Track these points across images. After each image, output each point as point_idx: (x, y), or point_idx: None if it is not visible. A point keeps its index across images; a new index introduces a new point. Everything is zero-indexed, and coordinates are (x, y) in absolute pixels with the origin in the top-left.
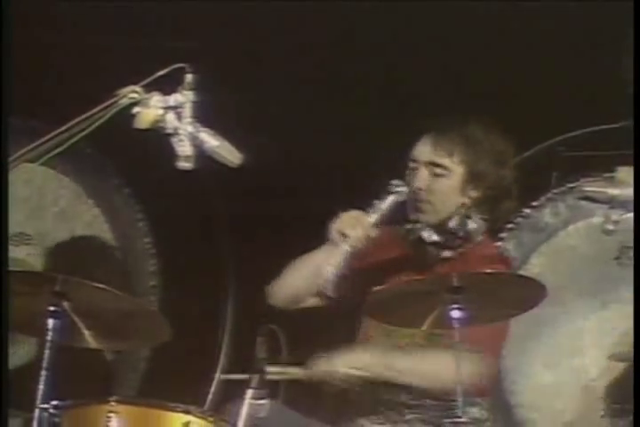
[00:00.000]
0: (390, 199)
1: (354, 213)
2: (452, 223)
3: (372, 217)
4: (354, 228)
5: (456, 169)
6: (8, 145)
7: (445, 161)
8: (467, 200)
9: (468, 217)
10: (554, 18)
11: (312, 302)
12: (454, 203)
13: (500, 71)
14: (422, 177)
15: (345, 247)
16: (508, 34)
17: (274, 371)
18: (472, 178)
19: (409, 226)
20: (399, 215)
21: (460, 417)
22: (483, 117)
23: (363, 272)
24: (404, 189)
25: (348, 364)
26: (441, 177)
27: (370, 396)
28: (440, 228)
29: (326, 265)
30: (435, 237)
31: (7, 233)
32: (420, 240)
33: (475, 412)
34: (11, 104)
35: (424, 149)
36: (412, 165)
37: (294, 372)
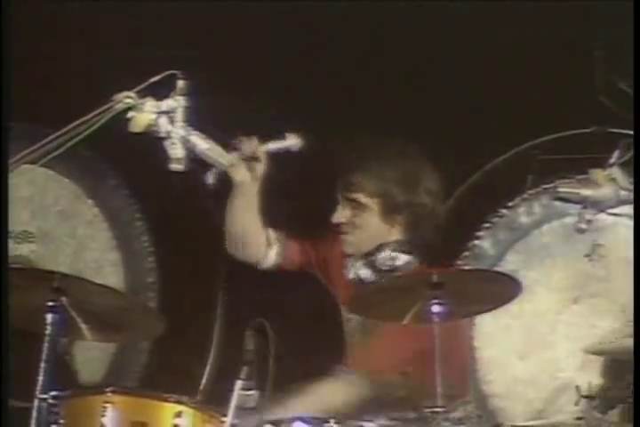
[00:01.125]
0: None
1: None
2: (379, 260)
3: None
4: None
5: (371, 204)
6: (8, 148)
7: (359, 196)
8: (388, 227)
9: (395, 252)
10: (529, 25)
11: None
12: (379, 235)
13: (479, 79)
14: (342, 212)
15: None
16: (482, 41)
17: None
18: (390, 210)
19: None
20: None
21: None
22: (395, 144)
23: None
24: None
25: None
26: (360, 211)
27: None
28: (370, 264)
29: None
30: (366, 275)
31: (7, 237)
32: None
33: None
34: (11, 109)
35: (344, 185)
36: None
37: None
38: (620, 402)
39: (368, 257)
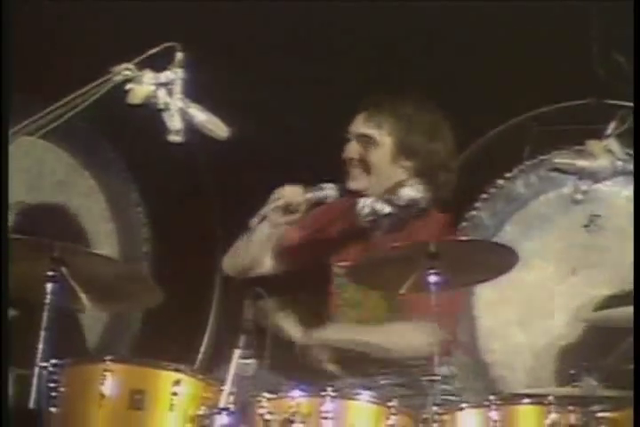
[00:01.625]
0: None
1: (291, 189)
2: (401, 195)
3: (309, 195)
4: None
5: (385, 140)
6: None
7: (374, 132)
8: (401, 170)
9: (410, 186)
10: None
11: (266, 267)
12: (388, 173)
13: (477, 51)
14: (352, 148)
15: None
16: (481, 18)
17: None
18: (402, 149)
19: (361, 200)
20: None
21: (436, 375)
22: (417, 95)
23: (312, 244)
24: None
25: (322, 339)
26: (371, 147)
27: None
28: (387, 199)
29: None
30: (387, 209)
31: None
32: (373, 212)
33: (444, 370)
34: (12, 81)
35: (357, 123)
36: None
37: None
38: (615, 369)
39: (386, 194)
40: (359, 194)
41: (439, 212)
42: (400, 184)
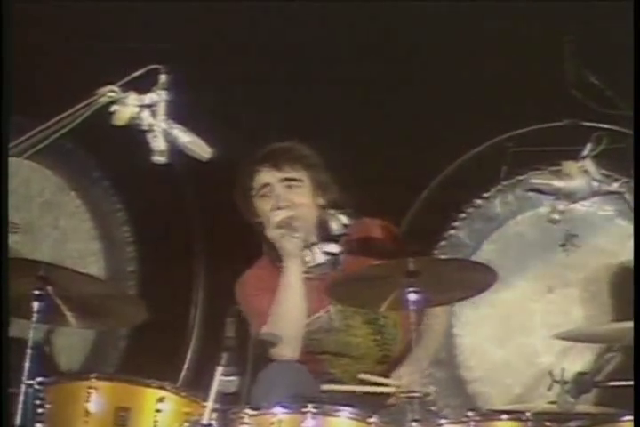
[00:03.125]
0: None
1: None
2: (333, 227)
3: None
4: None
5: (306, 181)
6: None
7: (295, 175)
8: (317, 209)
9: (334, 216)
10: (502, 20)
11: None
12: (312, 210)
13: (454, 74)
14: (283, 194)
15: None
16: (458, 41)
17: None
18: (318, 185)
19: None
20: None
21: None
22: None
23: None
24: None
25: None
26: (296, 189)
27: None
28: (329, 238)
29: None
30: (334, 248)
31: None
32: (325, 261)
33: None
34: (10, 103)
35: (272, 172)
36: (264, 190)
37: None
38: (593, 387)
39: (322, 234)
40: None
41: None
42: (323, 219)
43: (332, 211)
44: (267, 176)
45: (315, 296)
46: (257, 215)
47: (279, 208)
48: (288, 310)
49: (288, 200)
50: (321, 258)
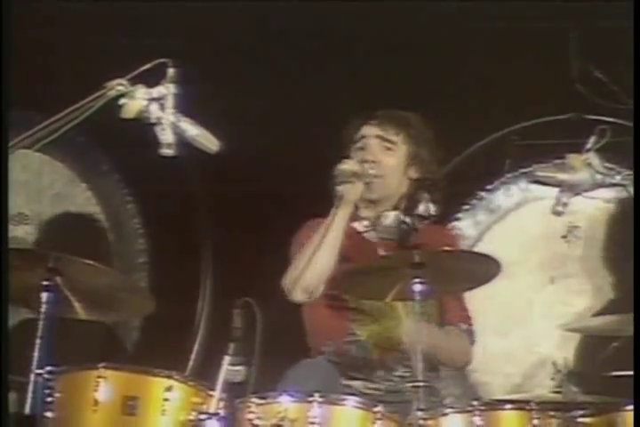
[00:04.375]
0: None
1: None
2: (420, 209)
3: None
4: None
5: (401, 146)
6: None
7: (393, 137)
8: (406, 181)
9: (427, 200)
10: (509, 16)
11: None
12: (398, 180)
13: (460, 67)
14: (373, 149)
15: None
16: (468, 37)
17: None
18: (413, 159)
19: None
20: None
21: (420, 381)
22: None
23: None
24: None
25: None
26: (389, 151)
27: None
28: (407, 212)
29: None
30: (408, 220)
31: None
32: (397, 226)
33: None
34: (10, 96)
35: (373, 128)
36: (360, 142)
37: None
38: (595, 376)
39: (407, 210)
40: (373, 203)
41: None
42: (414, 198)
43: (426, 195)
44: (368, 130)
45: (366, 254)
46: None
47: (365, 161)
48: (317, 256)
49: (378, 157)
50: (393, 222)
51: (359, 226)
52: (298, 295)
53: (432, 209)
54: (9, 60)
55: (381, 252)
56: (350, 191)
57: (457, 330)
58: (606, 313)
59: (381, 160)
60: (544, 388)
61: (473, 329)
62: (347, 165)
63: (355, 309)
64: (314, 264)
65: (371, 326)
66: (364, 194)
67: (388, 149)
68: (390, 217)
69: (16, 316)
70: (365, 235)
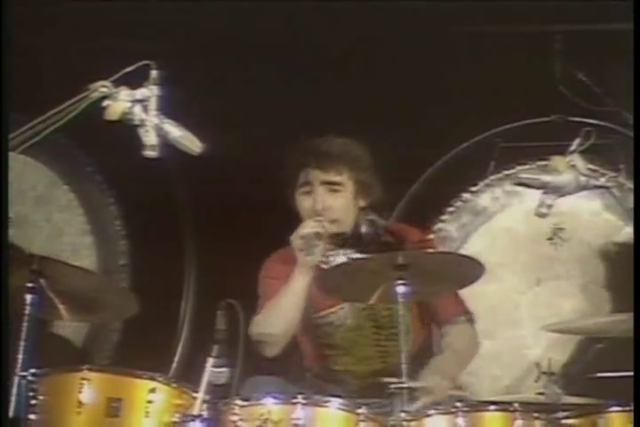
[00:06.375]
0: None
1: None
2: (364, 231)
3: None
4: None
5: (347, 184)
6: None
7: (338, 178)
8: (356, 211)
9: (372, 220)
10: (493, 19)
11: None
12: (350, 214)
13: (445, 70)
14: (322, 196)
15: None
16: (453, 43)
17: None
18: (360, 191)
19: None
20: None
21: (403, 383)
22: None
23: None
24: None
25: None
26: (336, 193)
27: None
28: (354, 237)
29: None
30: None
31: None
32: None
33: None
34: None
35: (315, 172)
36: (305, 187)
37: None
38: (579, 377)
39: (354, 235)
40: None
41: (409, 225)
42: (359, 222)
43: (371, 215)
44: (311, 175)
45: None
46: (297, 207)
47: (317, 213)
48: (281, 313)
49: (327, 204)
50: (342, 260)
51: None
52: (266, 351)
53: (381, 224)
54: (8, 62)
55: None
56: (313, 258)
57: (455, 328)
58: (592, 315)
59: (332, 205)
60: (533, 390)
61: (473, 317)
62: (307, 229)
63: (328, 344)
64: (278, 321)
65: (344, 358)
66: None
67: (335, 191)
68: (338, 258)
69: None
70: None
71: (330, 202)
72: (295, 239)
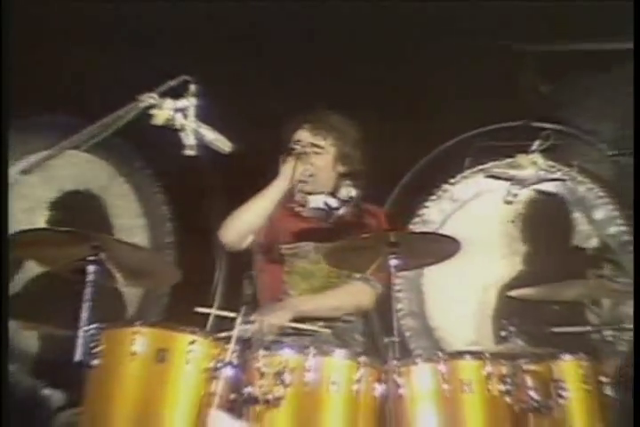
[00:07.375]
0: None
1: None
2: (342, 193)
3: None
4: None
5: (329, 149)
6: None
7: (322, 142)
8: (336, 174)
9: (348, 185)
10: (470, 28)
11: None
12: (327, 175)
13: (434, 80)
14: (306, 154)
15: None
16: (429, 42)
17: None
18: (340, 158)
19: (312, 197)
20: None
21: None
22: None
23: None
24: None
25: (283, 319)
26: (318, 155)
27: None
28: (331, 196)
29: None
30: (335, 204)
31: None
32: (322, 207)
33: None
34: (9, 105)
35: (305, 133)
36: (296, 145)
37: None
38: (537, 332)
39: (332, 191)
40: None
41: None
42: (338, 185)
43: (347, 181)
44: (302, 135)
45: (298, 227)
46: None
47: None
48: (248, 213)
49: (310, 160)
50: (319, 204)
51: (294, 204)
52: (227, 237)
53: (352, 193)
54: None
55: (304, 225)
56: (290, 167)
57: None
58: (541, 283)
59: (314, 162)
60: (496, 342)
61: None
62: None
63: (288, 271)
64: (248, 212)
65: (300, 284)
66: (300, 187)
67: (317, 153)
68: (316, 200)
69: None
70: (297, 209)
71: (313, 159)
72: (286, 160)
